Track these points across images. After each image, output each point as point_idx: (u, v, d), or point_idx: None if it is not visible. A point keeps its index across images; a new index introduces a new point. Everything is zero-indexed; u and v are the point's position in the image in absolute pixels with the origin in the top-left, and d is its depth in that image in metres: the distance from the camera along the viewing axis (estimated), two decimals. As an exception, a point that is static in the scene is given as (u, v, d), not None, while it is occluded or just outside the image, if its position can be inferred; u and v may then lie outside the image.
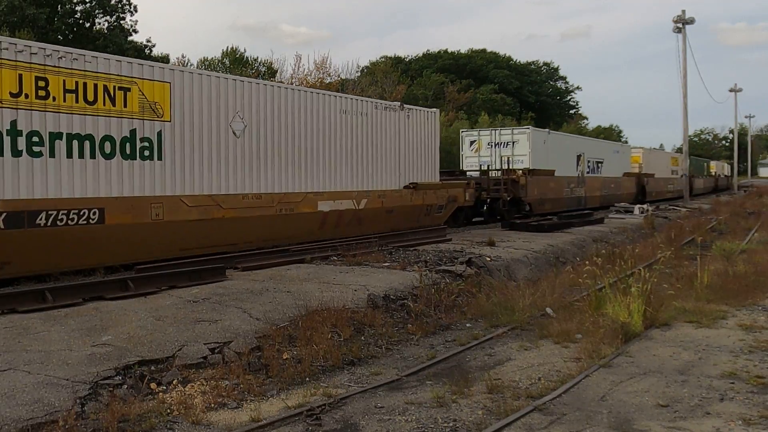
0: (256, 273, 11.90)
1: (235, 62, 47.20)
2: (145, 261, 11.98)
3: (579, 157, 32.61)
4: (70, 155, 11.11)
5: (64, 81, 11.03)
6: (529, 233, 19.98)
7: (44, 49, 10.86)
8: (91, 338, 7.51)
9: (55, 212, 10.74)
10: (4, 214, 10.17)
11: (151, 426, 5.84)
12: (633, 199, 39.14)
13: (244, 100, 14.03)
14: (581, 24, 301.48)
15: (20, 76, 10.49)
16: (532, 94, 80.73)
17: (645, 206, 31.49)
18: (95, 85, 11.47)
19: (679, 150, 56.41)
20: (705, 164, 65.54)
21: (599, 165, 35.58)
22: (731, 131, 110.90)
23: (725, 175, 78.69)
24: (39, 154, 10.73)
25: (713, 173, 71.32)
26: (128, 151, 11.98)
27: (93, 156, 11.43)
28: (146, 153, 12.28)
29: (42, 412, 5.70)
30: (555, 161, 29.12)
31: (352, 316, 9.13)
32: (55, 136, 10.94)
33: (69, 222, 10.91)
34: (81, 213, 11.08)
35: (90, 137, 11.40)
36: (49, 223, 10.66)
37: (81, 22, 37.52)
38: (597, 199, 34.84)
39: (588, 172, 33.91)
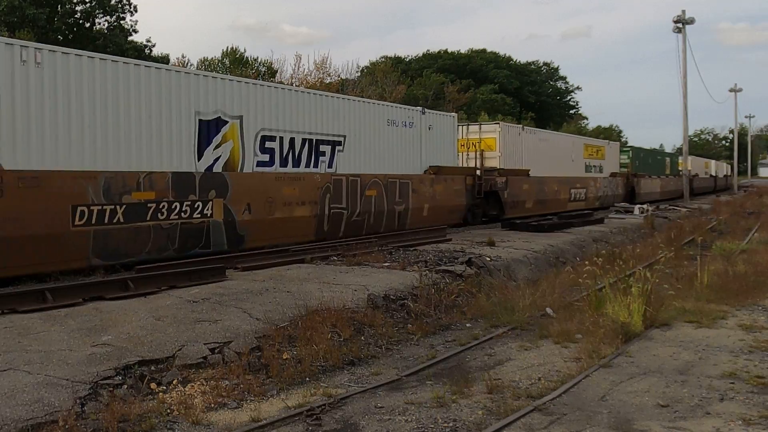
0: (256, 273, 11.90)
1: (235, 62, 47.21)
2: (146, 261, 12.00)
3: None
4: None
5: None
6: (529, 233, 19.98)
7: None
8: (91, 338, 7.51)
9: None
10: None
11: (151, 426, 5.84)
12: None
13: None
14: (582, 24, 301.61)
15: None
16: (532, 94, 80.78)
17: (645, 206, 31.50)
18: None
19: (679, 150, 56.38)
20: (667, 160, 54.52)
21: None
22: (731, 131, 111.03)
23: (711, 175, 69.78)
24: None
25: (686, 172, 64.10)
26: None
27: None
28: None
29: (42, 412, 5.70)
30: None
31: (352, 316, 9.12)
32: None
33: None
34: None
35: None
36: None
37: (81, 22, 37.52)
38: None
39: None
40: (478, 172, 23.47)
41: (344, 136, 17.39)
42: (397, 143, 19.64)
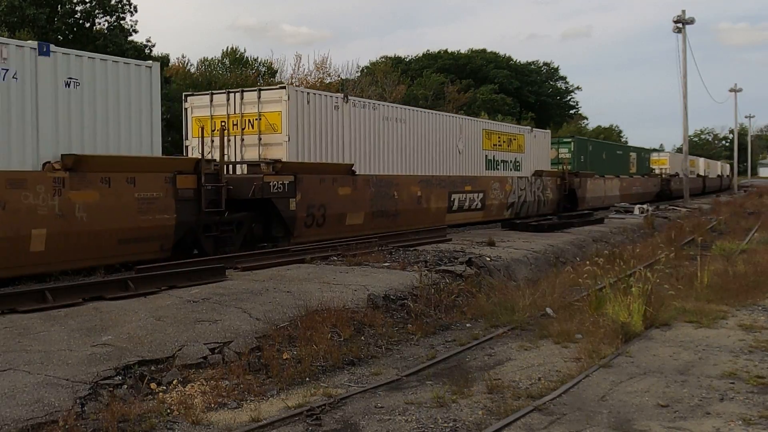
0: (256, 273, 11.90)
1: (235, 62, 47.18)
2: (146, 261, 12.00)
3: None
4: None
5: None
6: (529, 233, 20.00)
7: None
8: (91, 338, 7.51)
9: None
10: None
11: (151, 426, 5.84)
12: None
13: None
14: (582, 24, 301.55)
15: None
16: (532, 94, 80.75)
17: (645, 206, 31.52)
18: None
19: (679, 150, 55.46)
20: (632, 156, 44.20)
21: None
22: (731, 131, 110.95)
23: (699, 174, 61.18)
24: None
25: (661, 171, 50.84)
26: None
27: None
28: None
29: (42, 412, 5.70)
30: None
31: (352, 316, 9.12)
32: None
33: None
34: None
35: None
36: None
37: (81, 22, 37.49)
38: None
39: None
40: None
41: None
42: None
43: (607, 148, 40.80)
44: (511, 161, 26.44)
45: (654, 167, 50.83)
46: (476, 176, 23.69)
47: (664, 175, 51.04)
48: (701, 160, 65.76)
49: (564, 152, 33.21)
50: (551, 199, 29.03)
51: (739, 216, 28.62)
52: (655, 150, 60.74)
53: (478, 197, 23.55)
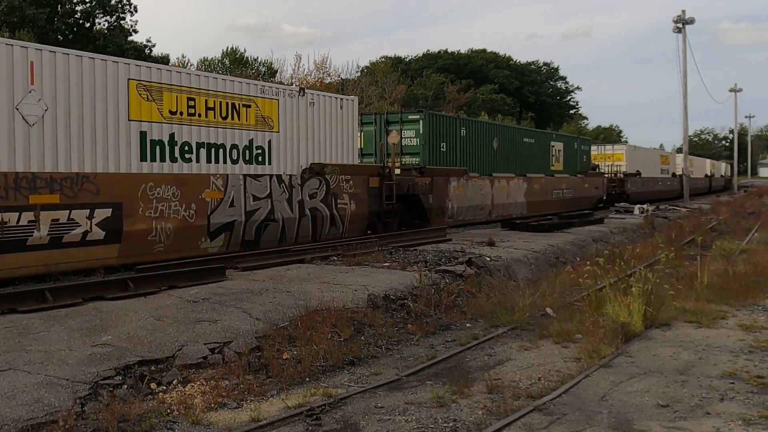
0: (256, 273, 11.90)
1: (235, 62, 47.21)
2: (145, 261, 12.01)
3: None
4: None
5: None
6: (529, 233, 19.99)
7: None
8: (91, 338, 7.51)
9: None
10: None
11: (151, 426, 5.84)
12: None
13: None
14: (582, 24, 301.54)
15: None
16: (532, 94, 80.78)
17: (645, 206, 31.49)
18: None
19: (679, 150, 54.62)
20: (555, 147, 31.02)
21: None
22: (731, 131, 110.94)
23: (675, 174, 52.54)
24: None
25: (616, 169, 40.60)
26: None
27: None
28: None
29: (42, 412, 5.70)
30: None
31: (352, 316, 9.13)
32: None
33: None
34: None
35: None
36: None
37: (81, 22, 37.52)
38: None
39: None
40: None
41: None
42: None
43: (503, 133, 26.46)
44: (239, 145, 14.77)
45: (599, 163, 40.15)
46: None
47: (617, 174, 40.01)
48: (678, 157, 54.65)
49: (410, 135, 21.41)
50: (356, 212, 17.53)
51: (739, 216, 28.62)
52: (605, 142, 52.47)
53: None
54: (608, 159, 41.67)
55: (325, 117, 17.18)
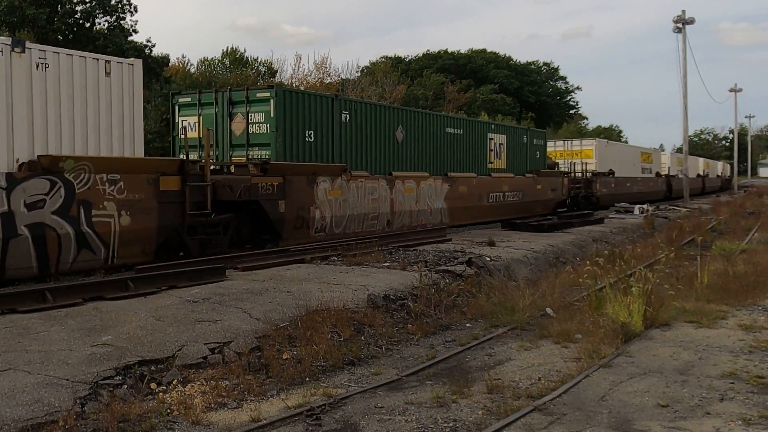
0: (256, 273, 11.90)
1: (235, 62, 47.18)
2: (145, 261, 12.00)
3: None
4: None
5: None
6: (529, 233, 20.00)
7: None
8: (91, 338, 7.51)
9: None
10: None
11: (151, 426, 5.84)
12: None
13: None
14: (582, 24, 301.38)
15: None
16: (532, 94, 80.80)
17: (645, 206, 31.47)
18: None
19: (679, 150, 54.16)
20: (495, 141, 25.53)
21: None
22: (731, 131, 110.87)
23: (661, 174, 48.38)
24: None
25: (582, 166, 34.91)
26: None
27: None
28: None
29: (42, 412, 5.70)
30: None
31: (352, 316, 9.13)
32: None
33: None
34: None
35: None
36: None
37: (81, 22, 37.50)
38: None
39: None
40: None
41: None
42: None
43: (412, 121, 20.81)
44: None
45: (564, 161, 35.31)
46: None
47: (584, 174, 34.28)
48: (666, 155, 52.92)
49: (258, 120, 16.43)
50: (133, 228, 12.31)
51: (739, 216, 28.61)
52: (575, 136, 46.05)
53: None
54: (576, 156, 36.19)
55: (72, 87, 11.88)
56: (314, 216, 16.41)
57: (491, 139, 25.34)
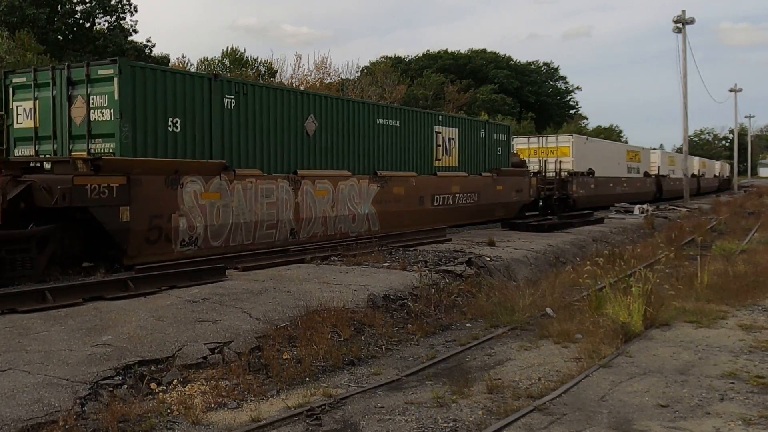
0: (256, 273, 11.90)
1: (235, 62, 47.19)
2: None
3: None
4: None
5: None
6: (529, 233, 20.01)
7: None
8: (91, 338, 7.51)
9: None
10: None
11: (151, 426, 5.84)
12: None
13: None
14: (582, 24, 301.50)
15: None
16: (532, 94, 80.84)
17: (645, 206, 31.45)
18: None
19: (679, 150, 53.85)
20: (445, 135, 22.30)
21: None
22: (731, 131, 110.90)
23: (650, 173, 44.98)
24: None
25: (556, 165, 31.07)
26: None
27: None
28: None
29: (42, 412, 5.70)
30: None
31: (352, 316, 9.13)
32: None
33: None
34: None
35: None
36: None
37: (81, 22, 37.52)
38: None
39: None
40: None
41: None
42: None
43: (330, 109, 17.65)
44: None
45: (538, 159, 31.53)
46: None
47: (558, 174, 30.56)
48: (650, 153, 47.81)
49: (101, 104, 13.04)
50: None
51: (739, 216, 28.62)
52: (551, 133, 41.55)
53: None
54: (551, 153, 32.38)
55: None
56: (178, 226, 13.17)
57: (438, 132, 21.87)
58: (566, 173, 31.25)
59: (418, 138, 20.94)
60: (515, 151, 29.80)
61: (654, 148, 50.74)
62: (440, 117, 22.86)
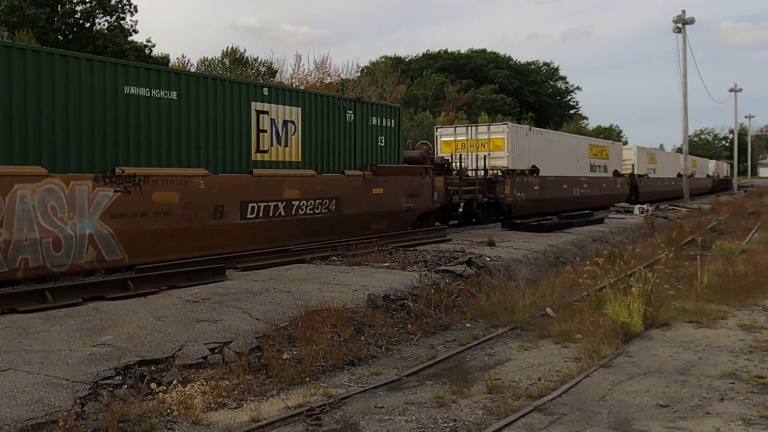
0: (256, 273, 11.90)
1: (235, 62, 47.20)
2: (145, 261, 11.99)
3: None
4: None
5: None
6: (529, 233, 20.00)
7: None
8: (91, 338, 7.51)
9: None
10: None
11: (151, 426, 5.84)
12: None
13: None
14: (582, 24, 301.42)
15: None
16: (532, 94, 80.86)
17: (645, 206, 31.42)
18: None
19: (679, 150, 53.66)
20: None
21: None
22: (731, 131, 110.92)
23: (623, 173, 38.77)
24: None
25: (483, 162, 24.49)
26: None
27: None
28: None
29: (42, 412, 5.70)
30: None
31: (352, 316, 9.12)
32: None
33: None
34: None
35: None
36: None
37: (81, 22, 37.52)
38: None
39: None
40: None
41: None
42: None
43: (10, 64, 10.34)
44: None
45: (468, 153, 25.44)
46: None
47: (484, 172, 24.39)
48: (621, 148, 40.73)
49: None
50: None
51: (739, 216, 28.61)
52: (483, 122, 32.27)
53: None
54: (483, 147, 25.87)
55: None
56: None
57: (262, 112, 15.15)
58: (498, 171, 25.16)
59: (217, 119, 14.04)
60: (431, 143, 24.95)
61: (627, 144, 43.77)
62: (265, 90, 15.40)
